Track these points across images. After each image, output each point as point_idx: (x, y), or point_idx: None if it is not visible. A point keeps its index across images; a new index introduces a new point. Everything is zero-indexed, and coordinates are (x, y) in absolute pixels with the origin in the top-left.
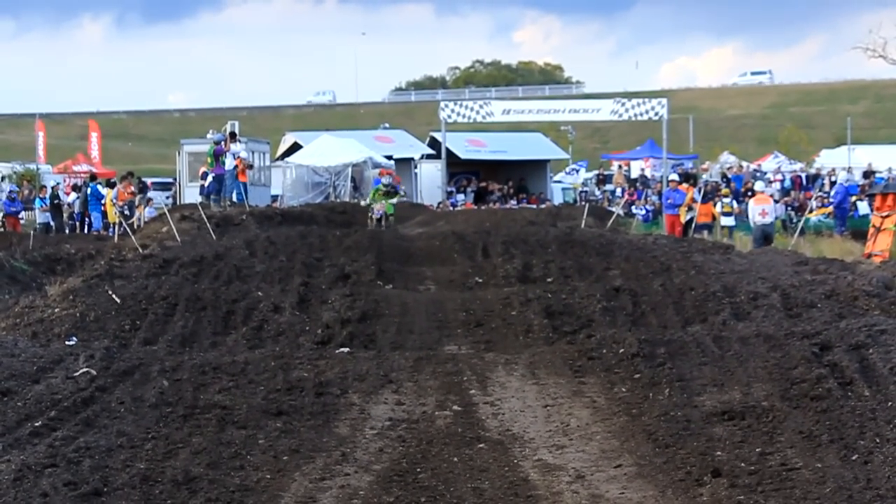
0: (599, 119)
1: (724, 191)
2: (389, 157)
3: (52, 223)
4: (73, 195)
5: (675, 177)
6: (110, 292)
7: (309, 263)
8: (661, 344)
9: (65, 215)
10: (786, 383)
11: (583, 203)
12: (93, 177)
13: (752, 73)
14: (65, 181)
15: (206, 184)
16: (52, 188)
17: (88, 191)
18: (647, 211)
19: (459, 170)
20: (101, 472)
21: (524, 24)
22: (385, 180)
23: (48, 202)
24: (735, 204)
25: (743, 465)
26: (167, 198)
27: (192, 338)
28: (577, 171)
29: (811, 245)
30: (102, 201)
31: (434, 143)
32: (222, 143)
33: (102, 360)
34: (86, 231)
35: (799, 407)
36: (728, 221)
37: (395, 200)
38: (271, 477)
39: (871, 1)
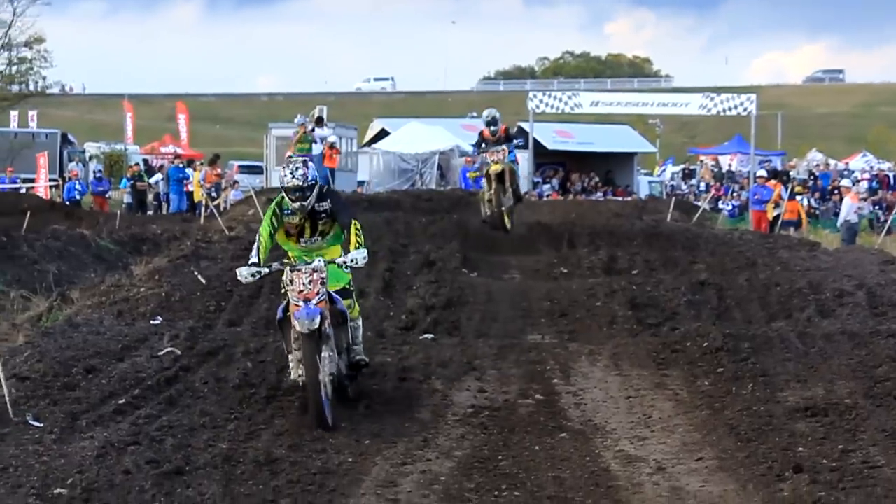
0: (688, 113)
1: (799, 188)
2: None
3: (129, 203)
4: (159, 176)
5: (762, 173)
6: (196, 273)
7: (394, 249)
8: (745, 339)
9: (150, 196)
10: (869, 381)
11: (669, 197)
12: (176, 156)
13: (376, 79)
14: (151, 162)
15: None
16: (133, 168)
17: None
18: (734, 206)
19: (546, 160)
20: (183, 451)
21: (616, 16)
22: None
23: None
24: (805, 203)
25: (825, 461)
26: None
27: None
28: (665, 171)
29: None
30: (187, 181)
31: (522, 133)
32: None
33: (187, 340)
34: (165, 212)
35: (882, 405)
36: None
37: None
38: (353, 460)
39: None
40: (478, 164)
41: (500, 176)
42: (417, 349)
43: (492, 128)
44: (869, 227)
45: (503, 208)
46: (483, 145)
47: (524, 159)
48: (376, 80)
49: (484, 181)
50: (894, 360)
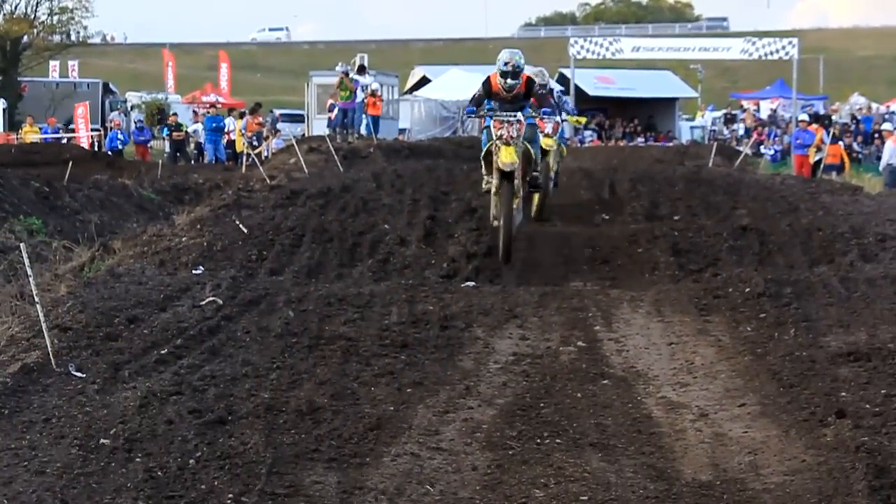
0: (729, 58)
1: (835, 132)
2: None
3: (168, 152)
4: (199, 125)
5: (804, 117)
6: (238, 222)
7: (436, 197)
8: (787, 284)
9: (191, 145)
10: None
11: (711, 142)
12: (211, 105)
13: (271, 29)
14: (193, 112)
15: (333, 116)
16: (170, 118)
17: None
18: (776, 151)
19: (588, 106)
20: (225, 401)
21: None
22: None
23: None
24: (841, 144)
25: (868, 406)
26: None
27: (318, 269)
28: (704, 116)
29: None
30: (226, 130)
31: (563, 80)
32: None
33: (229, 290)
34: (202, 162)
35: None
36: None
37: None
38: (395, 409)
39: None
40: (470, 124)
41: (509, 175)
42: (459, 297)
43: (508, 81)
44: None
45: (511, 227)
46: (487, 107)
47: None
48: (271, 30)
49: (486, 163)
50: None
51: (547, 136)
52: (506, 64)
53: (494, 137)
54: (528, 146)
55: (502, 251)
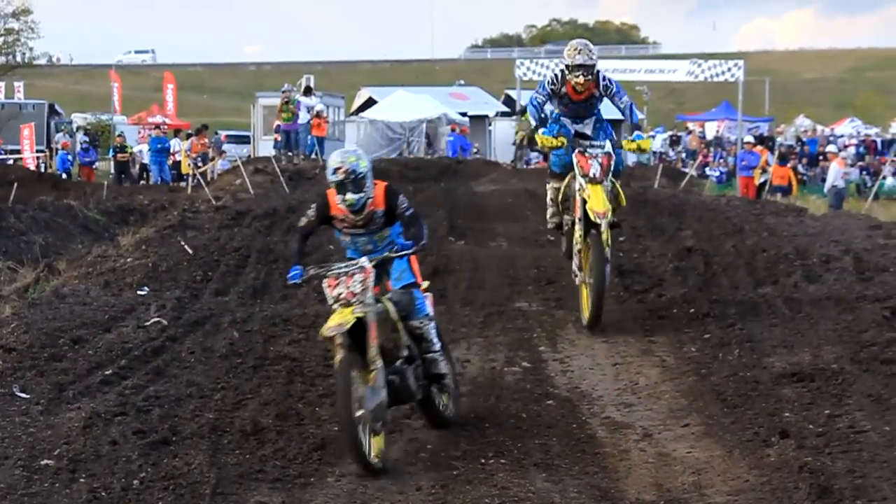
0: (675, 80)
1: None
2: (464, 114)
3: (113, 173)
4: (144, 146)
5: (750, 139)
6: (183, 243)
7: None
8: (731, 305)
9: (136, 167)
10: (856, 346)
11: (656, 164)
12: (156, 127)
13: (136, 52)
14: (138, 133)
15: (280, 137)
16: (118, 139)
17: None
18: (721, 172)
19: None
20: (170, 422)
21: None
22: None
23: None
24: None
25: (811, 426)
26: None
27: (263, 290)
28: (654, 137)
29: (885, 209)
30: (172, 151)
31: (509, 101)
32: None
33: (174, 311)
34: (147, 183)
35: (868, 370)
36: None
37: None
38: (339, 429)
39: None
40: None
41: (351, 341)
42: None
43: (349, 196)
44: (856, 192)
45: (355, 426)
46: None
47: (510, 126)
48: (136, 52)
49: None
50: (880, 325)
51: (593, 181)
52: (335, 171)
53: (329, 301)
54: (391, 307)
55: (357, 465)
